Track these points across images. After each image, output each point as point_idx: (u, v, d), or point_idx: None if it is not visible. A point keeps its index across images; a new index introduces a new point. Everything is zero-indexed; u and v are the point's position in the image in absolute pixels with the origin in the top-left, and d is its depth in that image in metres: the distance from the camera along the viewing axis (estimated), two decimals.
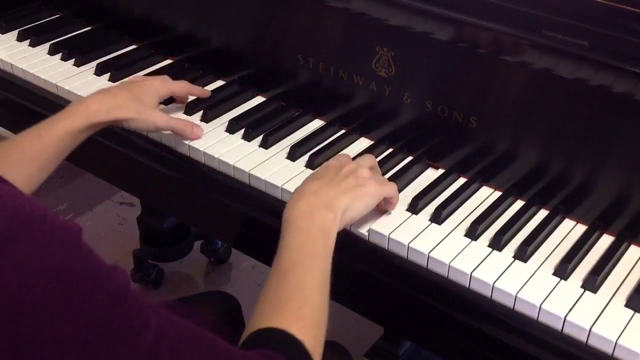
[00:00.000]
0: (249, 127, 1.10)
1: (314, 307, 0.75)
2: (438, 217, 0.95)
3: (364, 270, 0.94)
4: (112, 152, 1.06)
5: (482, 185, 1.02)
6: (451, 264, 0.88)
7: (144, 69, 1.27)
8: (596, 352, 0.81)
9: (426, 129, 1.05)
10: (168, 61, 1.31)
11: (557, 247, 0.92)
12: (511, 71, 0.95)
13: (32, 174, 0.93)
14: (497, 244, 0.91)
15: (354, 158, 1.05)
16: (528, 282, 0.86)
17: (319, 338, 0.74)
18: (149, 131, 1.06)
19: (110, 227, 2.15)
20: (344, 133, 1.12)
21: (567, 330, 0.82)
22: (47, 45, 1.31)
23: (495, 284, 0.86)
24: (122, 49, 1.33)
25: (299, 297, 0.75)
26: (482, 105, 0.99)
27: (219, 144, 1.08)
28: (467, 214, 0.97)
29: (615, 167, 0.91)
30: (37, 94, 1.24)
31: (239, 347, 0.71)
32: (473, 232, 0.93)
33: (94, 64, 1.27)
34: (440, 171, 1.05)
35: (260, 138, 1.09)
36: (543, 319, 0.83)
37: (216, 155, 1.05)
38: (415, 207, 0.96)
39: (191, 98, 1.17)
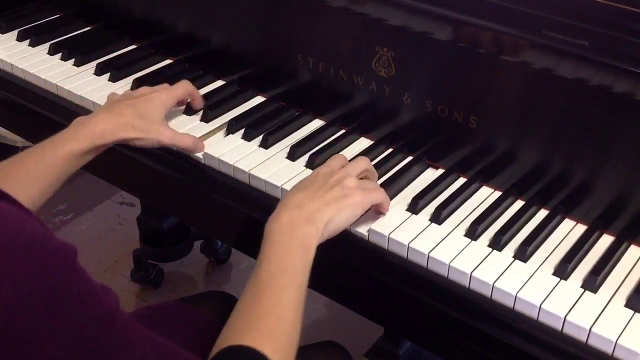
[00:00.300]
0: (249, 127, 1.10)
1: (287, 326, 0.75)
2: (438, 217, 0.95)
3: (364, 270, 0.94)
4: (112, 152, 1.06)
5: (482, 185, 1.02)
6: (451, 264, 0.88)
7: (144, 69, 1.27)
8: (596, 352, 0.81)
9: (426, 129, 1.05)
10: (168, 61, 1.31)
11: (557, 247, 0.92)
12: (511, 71, 0.95)
13: (35, 194, 0.92)
14: (497, 244, 0.91)
15: (353, 158, 1.06)
16: (528, 282, 0.86)
17: (290, 358, 0.73)
18: (155, 147, 1.04)
19: (110, 227, 2.15)
20: (344, 133, 1.12)
21: (567, 330, 0.82)
22: (47, 45, 1.31)
23: (495, 284, 0.86)
24: (122, 49, 1.33)
25: (273, 315, 0.75)
26: (482, 105, 0.99)
27: (219, 144, 1.08)
28: (467, 214, 0.97)
29: (615, 167, 0.91)
30: (37, 94, 1.24)
31: None
32: (473, 232, 0.93)
33: (94, 63, 1.27)
34: (440, 171, 1.05)
35: (260, 138, 1.09)
36: (543, 319, 0.83)
37: (216, 155, 1.05)
38: (415, 207, 0.96)
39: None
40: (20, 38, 1.34)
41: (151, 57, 1.30)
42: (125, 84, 1.23)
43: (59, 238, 0.59)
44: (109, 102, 1.05)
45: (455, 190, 1.00)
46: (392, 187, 1.00)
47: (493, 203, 0.98)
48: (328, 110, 1.14)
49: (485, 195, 1.01)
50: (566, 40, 0.89)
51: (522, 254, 0.90)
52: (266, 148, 1.08)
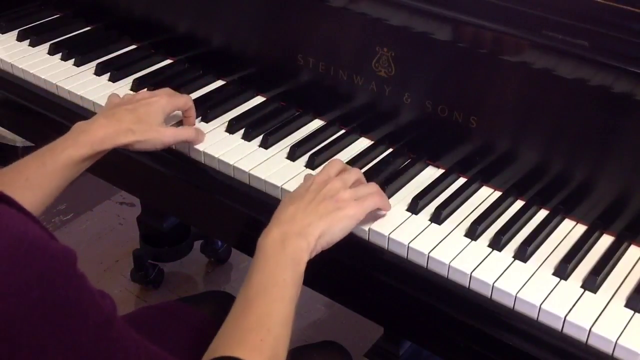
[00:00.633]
0: (249, 127, 1.10)
1: (275, 340, 0.75)
2: (438, 217, 0.95)
3: (364, 270, 0.94)
4: (112, 152, 1.05)
5: (482, 185, 1.02)
6: (451, 264, 0.88)
7: (144, 69, 1.27)
8: (596, 352, 0.81)
9: (426, 129, 1.05)
10: (168, 61, 1.31)
11: (557, 247, 0.92)
12: (511, 71, 0.95)
13: (36, 201, 0.91)
14: (497, 244, 0.91)
15: (352, 159, 1.06)
16: (528, 282, 0.86)
17: None
18: (157, 149, 1.03)
19: (110, 227, 2.15)
20: (344, 133, 1.12)
21: (567, 330, 0.82)
22: (47, 45, 1.31)
23: (495, 284, 0.86)
24: (122, 49, 1.33)
25: (262, 328, 0.75)
26: (482, 105, 0.99)
27: (219, 144, 1.08)
28: (467, 214, 0.97)
29: (615, 167, 0.91)
30: (37, 94, 1.24)
31: None
32: (473, 232, 0.93)
33: (93, 63, 1.27)
34: (441, 171, 1.05)
35: (260, 138, 1.09)
36: (543, 319, 0.83)
37: (216, 155, 1.05)
38: (415, 207, 0.96)
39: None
40: (20, 38, 1.34)
41: (151, 57, 1.30)
42: (125, 84, 1.23)
43: (59, 242, 0.58)
44: (108, 107, 1.04)
45: (455, 190, 1.00)
46: (392, 187, 1.00)
47: (493, 203, 0.98)
48: (328, 110, 1.14)
49: (485, 195, 1.01)
50: (566, 40, 0.89)
51: (522, 254, 0.90)
52: (266, 148, 1.08)
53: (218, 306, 1.14)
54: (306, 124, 1.14)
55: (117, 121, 0.98)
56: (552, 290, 0.85)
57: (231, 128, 1.11)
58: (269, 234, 0.84)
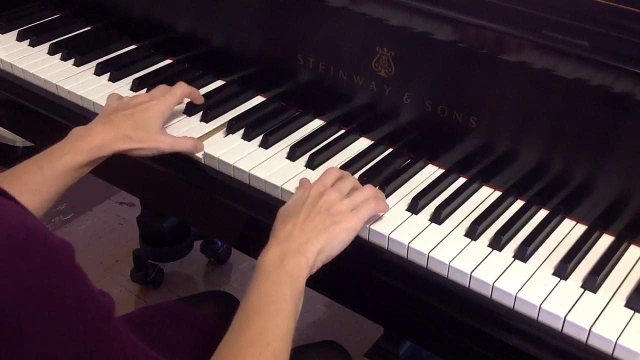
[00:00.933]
0: (249, 127, 1.10)
1: (274, 353, 0.75)
2: (438, 217, 0.95)
3: (364, 270, 0.94)
4: (117, 152, 1.06)
5: (482, 185, 1.02)
6: (451, 264, 0.88)
7: (144, 69, 1.27)
8: (596, 352, 0.81)
9: (426, 129, 1.05)
10: (168, 61, 1.31)
11: (557, 247, 0.92)
12: (511, 71, 0.95)
13: (34, 206, 0.91)
14: (497, 244, 0.91)
15: (352, 159, 1.06)
16: (528, 282, 0.86)
17: None
18: (155, 155, 1.03)
19: (110, 227, 2.15)
20: (343, 133, 1.12)
21: (567, 330, 0.82)
22: (47, 45, 1.31)
23: (495, 284, 0.86)
24: (122, 49, 1.33)
25: (260, 342, 0.75)
26: (482, 105, 0.99)
27: (219, 144, 1.08)
28: (467, 214, 0.97)
29: (615, 167, 0.91)
30: (37, 94, 1.24)
31: None
32: (473, 232, 0.93)
33: (93, 63, 1.27)
34: (441, 171, 1.05)
35: (260, 138, 1.09)
36: (543, 319, 0.83)
37: (216, 155, 1.05)
38: (415, 207, 0.96)
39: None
40: (20, 38, 1.34)
41: (151, 57, 1.30)
42: (125, 84, 1.23)
43: (58, 236, 0.58)
44: (106, 112, 1.04)
45: (455, 190, 1.00)
46: (392, 187, 1.00)
47: (493, 203, 0.98)
48: (328, 110, 1.14)
49: (485, 195, 1.01)
50: (566, 40, 0.89)
51: (522, 254, 0.90)
52: (266, 148, 1.08)
53: (218, 306, 1.14)
54: (306, 124, 1.14)
55: (115, 127, 0.98)
56: (552, 290, 0.85)
57: (231, 128, 1.11)
58: (267, 252, 0.83)
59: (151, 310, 1.12)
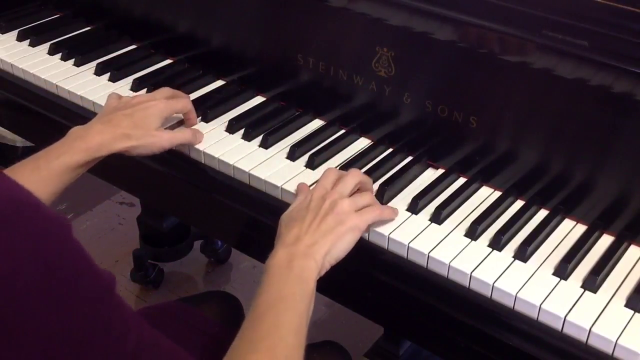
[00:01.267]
0: (249, 127, 1.10)
1: (287, 348, 0.75)
2: (438, 217, 0.95)
3: (364, 270, 0.94)
4: (116, 152, 1.06)
5: (482, 185, 1.02)
6: (451, 264, 0.88)
7: (144, 69, 1.27)
8: (596, 352, 0.81)
9: (426, 129, 1.05)
10: (168, 61, 1.31)
11: (557, 247, 0.92)
12: (511, 71, 0.95)
13: None
14: (497, 244, 0.91)
15: (352, 159, 1.06)
16: (528, 282, 0.86)
17: None
18: (155, 153, 1.02)
19: (110, 227, 2.15)
20: (343, 133, 1.12)
21: (567, 330, 0.82)
22: (47, 45, 1.31)
23: (495, 284, 0.86)
24: (122, 49, 1.33)
25: (273, 336, 0.75)
26: (482, 105, 0.99)
27: (219, 144, 1.08)
28: (467, 214, 0.97)
29: (615, 167, 0.91)
30: (37, 94, 1.24)
31: None
32: (473, 232, 0.93)
33: (93, 63, 1.27)
34: (440, 171, 1.05)
35: (260, 138, 1.09)
36: (543, 319, 0.83)
37: (216, 155, 1.05)
38: (415, 207, 0.96)
39: (190, 98, 1.17)
40: (20, 38, 1.34)
41: (151, 57, 1.30)
42: (125, 84, 1.23)
43: (53, 210, 0.58)
44: (105, 112, 1.03)
45: (455, 190, 1.00)
46: (392, 187, 1.00)
47: (493, 203, 0.98)
48: (328, 110, 1.14)
49: (485, 195, 1.01)
50: (566, 40, 0.89)
51: (522, 254, 0.90)
52: (266, 148, 1.08)
53: (218, 306, 1.14)
54: (306, 124, 1.14)
55: (114, 127, 0.98)
56: (552, 290, 0.85)
57: (231, 128, 1.11)
58: (275, 256, 0.83)
59: (151, 310, 1.12)
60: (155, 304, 1.14)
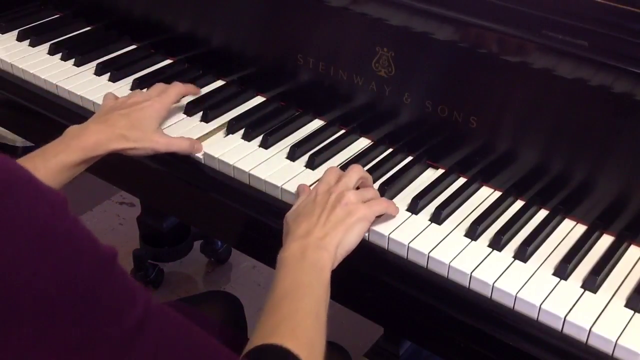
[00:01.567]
0: (249, 127, 1.10)
1: (308, 329, 0.74)
2: (438, 217, 0.95)
3: (364, 271, 0.94)
4: (112, 153, 1.06)
5: (482, 185, 1.02)
6: (451, 264, 0.88)
7: (144, 69, 1.27)
8: (596, 352, 0.81)
9: (426, 129, 1.05)
10: (168, 61, 1.31)
11: (557, 247, 0.92)
12: (511, 71, 0.95)
13: None
14: (497, 244, 0.91)
15: (352, 160, 1.06)
16: (528, 282, 0.86)
17: (315, 357, 0.73)
18: (149, 155, 1.03)
19: (110, 227, 2.15)
20: (344, 133, 1.12)
21: (567, 330, 0.82)
22: (47, 45, 1.31)
23: (495, 284, 0.86)
24: (122, 49, 1.33)
25: (292, 320, 0.75)
26: (482, 105, 0.99)
27: (219, 144, 1.08)
28: (467, 214, 0.97)
29: (615, 167, 0.91)
30: (37, 94, 1.24)
31: None
32: (473, 232, 0.93)
33: (94, 64, 1.27)
34: (440, 171, 1.05)
35: (260, 138, 1.09)
36: (543, 319, 0.83)
37: (216, 155, 1.05)
38: (415, 207, 0.96)
39: (191, 98, 1.17)
40: (20, 38, 1.34)
41: (151, 57, 1.30)
42: (125, 84, 1.23)
43: (47, 185, 0.57)
44: (102, 111, 1.04)
45: (455, 190, 1.00)
46: (392, 187, 1.00)
47: (493, 203, 0.98)
48: (328, 110, 1.14)
49: (485, 195, 1.01)
50: (566, 40, 0.89)
51: (522, 254, 0.90)
52: (266, 148, 1.08)
53: (218, 306, 1.14)
54: (306, 124, 1.14)
55: (110, 127, 0.98)
56: (552, 290, 0.85)
57: (231, 128, 1.11)
58: (287, 249, 0.83)
59: None
60: None
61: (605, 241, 0.93)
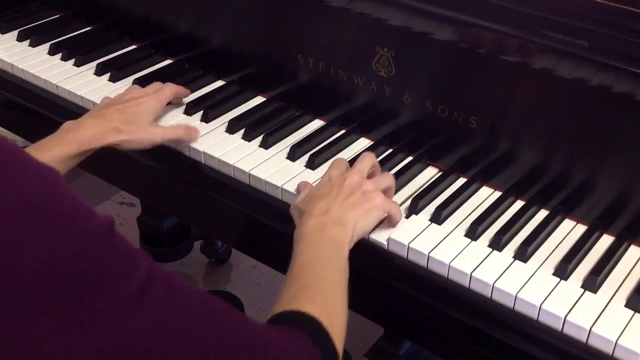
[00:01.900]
0: (249, 127, 1.10)
1: (327, 296, 0.75)
2: (438, 217, 0.95)
3: (364, 271, 0.94)
4: (111, 152, 1.06)
5: (482, 185, 1.02)
6: (451, 264, 0.88)
7: (144, 69, 1.27)
8: (596, 352, 0.81)
9: (426, 129, 1.05)
10: (168, 61, 1.31)
11: (557, 247, 0.92)
12: (511, 71, 0.95)
13: None
14: (497, 244, 0.91)
15: (352, 160, 1.06)
16: (528, 282, 0.86)
17: (335, 325, 0.73)
18: (146, 148, 1.03)
19: None
20: (344, 133, 1.12)
21: (567, 330, 0.82)
22: (47, 45, 1.31)
23: (495, 284, 0.86)
24: (122, 49, 1.33)
25: (311, 288, 0.76)
26: (482, 105, 0.99)
27: (219, 144, 1.08)
28: (467, 214, 0.97)
29: (615, 167, 0.91)
30: (37, 94, 1.24)
31: None
32: (473, 232, 0.93)
33: (94, 64, 1.27)
34: (441, 171, 1.05)
35: (260, 138, 1.09)
36: (543, 319, 0.83)
37: (216, 155, 1.05)
38: (415, 207, 0.96)
39: (191, 98, 1.17)
40: (20, 38, 1.34)
41: (151, 57, 1.30)
42: (126, 84, 1.23)
43: (40, 161, 0.57)
44: (98, 107, 1.05)
45: (455, 190, 1.00)
46: None
47: (493, 203, 0.98)
48: (328, 110, 1.14)
49: (485, 195, 1.01)
50: (566, 40, 0.89)
51: (522, 254, 0.90)
52: (266, 148, 1.08)
53: None
54: (306, 124, 1.14)
55: (105, 121, 0.99)
56: (552, 290, 0.85)
57: (231, 128, 1.11)
58: (305, 224, 0.84)
59: None
60: None
61: (606, 241, 0.93)
